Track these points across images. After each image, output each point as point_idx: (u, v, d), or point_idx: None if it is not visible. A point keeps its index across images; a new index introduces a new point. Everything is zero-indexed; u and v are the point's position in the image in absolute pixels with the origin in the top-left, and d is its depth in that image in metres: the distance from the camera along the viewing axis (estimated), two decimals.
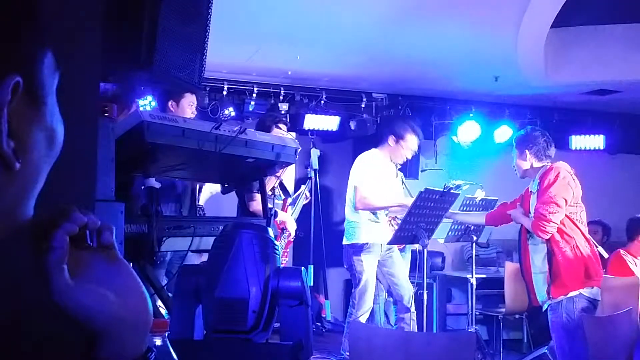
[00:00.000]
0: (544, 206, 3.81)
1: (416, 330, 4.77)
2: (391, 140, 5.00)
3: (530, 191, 4.05)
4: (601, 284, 3.90)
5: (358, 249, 4.92)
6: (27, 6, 0.65)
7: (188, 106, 4.04)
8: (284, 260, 5.04)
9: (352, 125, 7.00)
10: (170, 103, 4.05)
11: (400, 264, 5.08)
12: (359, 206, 4.93)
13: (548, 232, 3.81)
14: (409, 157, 5.10)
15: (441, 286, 6.47)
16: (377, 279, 5.05)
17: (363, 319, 4.83)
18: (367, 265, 4.89)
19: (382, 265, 4.99)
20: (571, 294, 3.80)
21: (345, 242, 5.04)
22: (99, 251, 0.72)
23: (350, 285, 5.24)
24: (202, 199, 4.63)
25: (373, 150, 5.13)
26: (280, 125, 4.61)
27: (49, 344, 0.66)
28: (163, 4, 2.19)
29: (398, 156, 5.02)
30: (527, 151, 4.07)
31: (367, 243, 4.91)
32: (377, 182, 4.96)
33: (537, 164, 4.06)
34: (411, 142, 5.00)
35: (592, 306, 3.83)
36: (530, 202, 4.02)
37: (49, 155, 0.70)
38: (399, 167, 5.28)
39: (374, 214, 4.99)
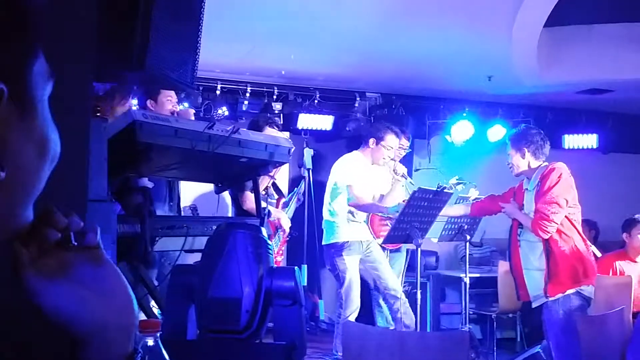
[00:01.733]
0: (546, 206, 3.82)
1: (413, 318, 4.78)
2: (372, 142, 5.05)
3: (525, 189, 4.06)
4: (595, 282, 3.94)
5: (338, 248, 4.95)
6: (12, 13, 0.63)
7: (166, 101, 3.93)
8: (279, 258, 5.04)
9: (349, 127, 7.01)
10: (148, 102, 3.91)
11: (381, 255, 5.09)
12: (352, 204, 4.94)
13: (548, 232, 3.83)
14: (392, 156, 5.10)
15: (435, 285, 6.47)
16: (362, 275, 5.06)
17: (352, 317, 4.84)
18: (349, 264, 4.92)
19: (365, 262, 5.02)
20: (568, 291, 3.83)
21: (324, 242, 5.07)
22: (84, 252, 0.70)
23: None
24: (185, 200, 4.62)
25: (355, 152, 5.17)
26: (274, 127, 4.64)
27: (35, 346, 0.65)
28: (156, 2, 2.18)
29: (379, 157, 5.04)
30: (525, 149, 4.05)
31: (347, 242, 4.94)
32: (365, 183, 4.99)
33: (534, 163, 4.05)
34: (391, 141, 5.03)
35: (586, 304, 3.87)
36: (524, 200, 4.03)
37: (42, 165, 0.68)
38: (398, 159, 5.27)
39: (353, 213, 5.00)
